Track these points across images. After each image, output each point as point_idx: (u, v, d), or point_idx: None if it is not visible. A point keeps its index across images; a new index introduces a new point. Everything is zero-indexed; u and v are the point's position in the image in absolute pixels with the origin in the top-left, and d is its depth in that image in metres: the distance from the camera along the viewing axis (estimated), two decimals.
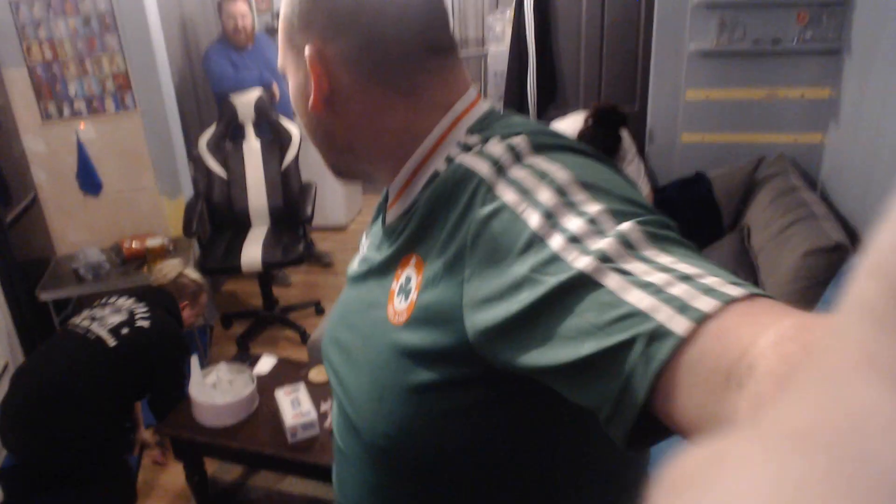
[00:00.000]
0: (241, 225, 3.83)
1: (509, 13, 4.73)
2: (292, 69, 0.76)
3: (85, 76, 3.60)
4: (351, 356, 0.77)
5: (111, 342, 2.39)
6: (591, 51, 4.36)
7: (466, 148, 0.70)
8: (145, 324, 2.48)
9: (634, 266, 0.49)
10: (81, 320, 2.48)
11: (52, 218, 3.67)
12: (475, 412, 0.66)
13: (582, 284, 0.51)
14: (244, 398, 2.32)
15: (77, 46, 3.55)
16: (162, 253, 3.36)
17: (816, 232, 2.55)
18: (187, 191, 3.80)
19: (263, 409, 2.35)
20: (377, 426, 0.71)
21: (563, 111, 4.08)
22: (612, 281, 0.49)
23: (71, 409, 2.28)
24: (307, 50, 0.71)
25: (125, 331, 2.43)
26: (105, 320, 2.46)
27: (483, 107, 0.75)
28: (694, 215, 3.47)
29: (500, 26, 5.24)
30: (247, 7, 3.85)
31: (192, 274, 2.81)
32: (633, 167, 3.44)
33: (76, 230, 3.69)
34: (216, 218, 3.84)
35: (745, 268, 2.97)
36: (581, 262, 0.51)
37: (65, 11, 3.50)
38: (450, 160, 0.70)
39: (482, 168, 0.64)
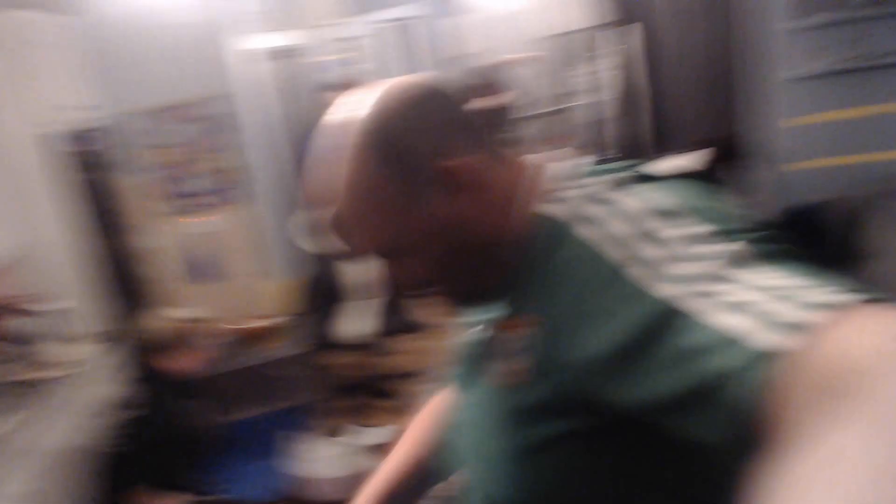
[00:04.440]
0: (348, 299, 3.92)
1: (598, 65, 4.72)
2: (422, 229, 0.73)
3: (198, 175, 3.88)
4: (471, 431, 0.79)
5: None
6: (692, 88, 4.22)
7: (551, 197, 0.72)
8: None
9: (722, 287, 0.49)
10: None
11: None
12: (594, 467, 0.66)
13: (668, 313, 0.50)
14: (356, 471, 2.31)
15: (189, 147, 3.84)
16: (273, 332, 3.49)
17: None
18: (293, 272, 3.97)
19: None
20: (501, 491, 0.72)
21: (675, 151, 3.96)
22: (700, 305, 0.49)
23: None
24: (450, 166, 0.70)
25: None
26: None
27: (562, 164, 0.78)
28: (811, 246, 3.22)
29: (591, 78, 5.24)
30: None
31: (187, 312, 2.62)
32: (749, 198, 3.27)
33: None
34: (324, 294, 3.95)
35: None
36: (663, 290, 0.51)
37: (176, 118, 3.81)
38: (539, 213, 0.72)
39: (562, 212, 0.67)
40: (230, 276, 3.89)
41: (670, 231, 0.55)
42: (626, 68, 4.31)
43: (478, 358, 0.81)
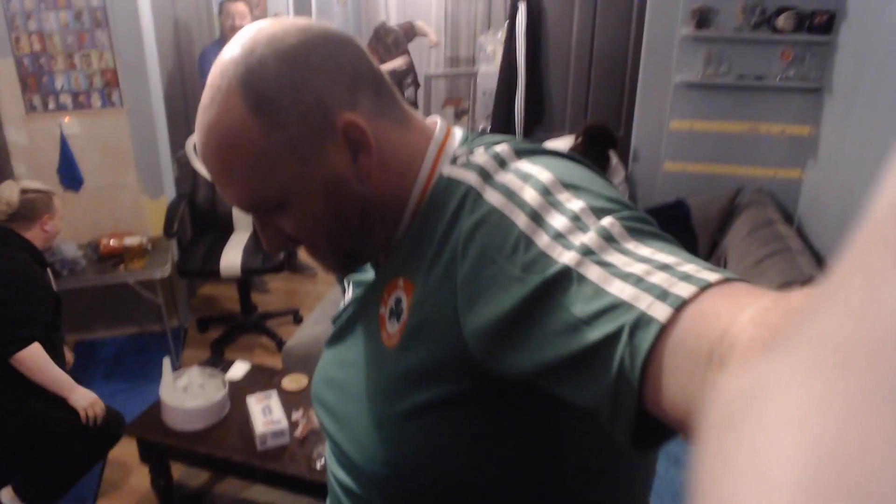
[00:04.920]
0: (223, 229, 3.81)
1: (501, 34, 4.79)
2: (304, 186, 0.68)
3: (72, 70, 3.57)
4: (346, 391, 0.77)
5: None
6: (580, 76, 4.42)
7: (454, 161, 0.70)
8: None
9: (615, 258, 0.50)
10: None
11: None
12: (474, 432, 0.66)
13: (567, 278, 0.52)
14: (215, 403, 2.30)
15: (66, 40, 3.53)
16: (140, 252, 3.32)
17: (791, 265, 2.60)
18: (170, 191, 3.78)
19: (234, 416, 2.33)
20: (378, 455, 0.70)
21: (550, 133, 4.12)
22: (594, 273, 0.50)
23: None
24: (342, 121, 0.66)
25: None
26: None
27: (460, 130, 0.77)
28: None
29: (492, 47, 5.30)
30: (246, 8, 3.84)
31: (32, 184, 2.57)
32: (620, 190, 3.50)
33: None
34: (198, 220, 3.81)
35: None
36: (565, 256, 0.53)
37: (56, 5, 3.48)
38: (440, 176, 0.70)
39: (469, 177, 0.65)
40: (101, 185, 3.65)
41: (574, 202, 0.56)
42: (510, 46, 4.41)
43: (357, 317, 0.79)
